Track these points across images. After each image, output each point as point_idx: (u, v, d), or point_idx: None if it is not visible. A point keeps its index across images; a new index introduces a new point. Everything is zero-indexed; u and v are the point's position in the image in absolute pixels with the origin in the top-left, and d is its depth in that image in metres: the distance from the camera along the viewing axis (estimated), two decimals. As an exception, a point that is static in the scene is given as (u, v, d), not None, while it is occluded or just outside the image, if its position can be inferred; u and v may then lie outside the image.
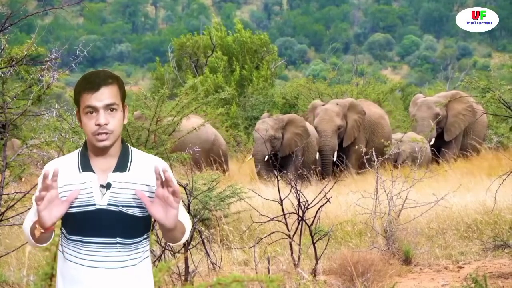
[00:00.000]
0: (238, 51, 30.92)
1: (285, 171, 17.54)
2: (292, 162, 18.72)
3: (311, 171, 16.86)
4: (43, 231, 3.46)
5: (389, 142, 19.60)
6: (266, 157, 18.60)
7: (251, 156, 19.48)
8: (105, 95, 3.55)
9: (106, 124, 3.54)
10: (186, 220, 3.69)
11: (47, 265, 3.43)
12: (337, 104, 20.18)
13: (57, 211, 3.45)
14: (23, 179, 13.09)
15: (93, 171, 3.60)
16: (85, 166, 3.61)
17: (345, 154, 19.87)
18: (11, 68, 7.64)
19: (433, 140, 20.33)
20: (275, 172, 10.53)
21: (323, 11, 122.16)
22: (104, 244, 3.57)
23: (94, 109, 3.55)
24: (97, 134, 3.55)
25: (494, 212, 11.16)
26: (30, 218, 3.62)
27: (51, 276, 3.59)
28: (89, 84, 3.56)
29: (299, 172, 12.49)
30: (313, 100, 23.74)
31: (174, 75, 31.96)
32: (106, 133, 3.55)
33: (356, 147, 19.49)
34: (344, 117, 19.84)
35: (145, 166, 3.65)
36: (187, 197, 8.42)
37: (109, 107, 3.56)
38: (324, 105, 20.52)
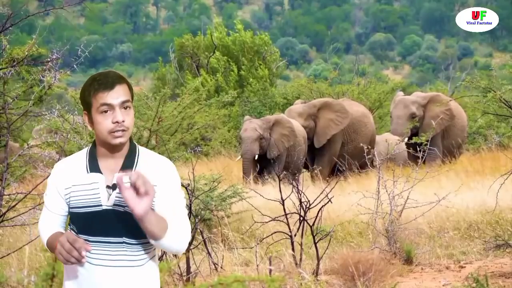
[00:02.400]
0: (237, 51, 30.91)
1: (266, 173, 17.55)
2: (280, 162, 18.57)
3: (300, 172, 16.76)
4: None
5: (368, 146, 19.47)
6: (256, 157, 18.42)
7: (240, 156, 19.18)
8: (120, 92, 3.58)
9: (123, 121, 3.56)
10: (176, 222, 3.60)
11: (48, 266, 3.44)
12: (305, 104, 19.81)
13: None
14: (25, 180, 13.11)
15: (100, 172, 3.62)
16: (93, 167, 3.64)
17: (317, 154, 19.54)
18: (12, 69, 7.64)
19: (405, 139, 19.66)
20: (274, 173, 10.54)
21: (324, 11, 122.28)
22: (111, 243, 3.59)
23: (110, 107, 3.56)
24: (114, 131, 3.56)
25: (495, 212, 11.16)
26: (47, 225, 3.71)
27: (52, 277, 3.60)
28: (103, 83, 3.58)
29: (298, 172, 12.43)
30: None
31: (176, 75, 31.97)
32: (123, 130, 3.56)
33: (331, 147, 19.28)
34: (311, 117, 19.47)
35: (152, 166, 3.66)
36: (189, 197, 8.42)
37: (124, 105, 3.58)
38: (304, 102, 20.31)
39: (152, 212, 3.47)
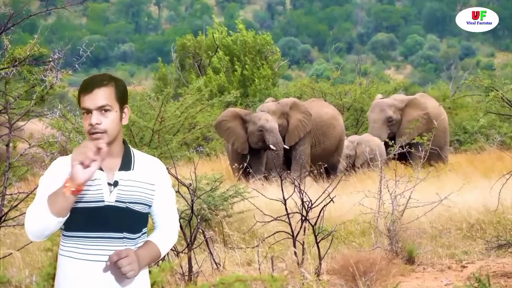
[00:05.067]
0: (239, 51, 30.89)
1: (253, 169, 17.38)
2: (260, 161, 18.45)
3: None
4: (74, 189, 3.54)
5: (343, 141, 19.20)
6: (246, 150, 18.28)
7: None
8: (98, 96, 3.72)
9: (98, 124, 3.69)
10: (168, 223, 3.91)
11: (50, 266, 3.44)
12: (278, 103, 19.64)
13: (89, 172, 3.56)
14: (27, 180, 13.08)
15: (101, 169, 3.71)
16: None
17: (291, 155, 19.12)
18: (14, 69, 7.65)
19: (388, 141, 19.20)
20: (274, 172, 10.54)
21: (326, 11, 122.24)
22: (112, 238, 3.70)
23: (88, 110, 3.71)
24: (91, 133, 3.70)
25: (497, 212, 11.14)
26: (40, 200, 3.65)
27: (54, 277, 3.60)
28: (83, 87, 3.75)
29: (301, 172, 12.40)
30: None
31: (177, 75, 31.96)
32: (100, 132, 3.69)
33: (302, 147, 18.94)
34: (284, 116, 19.26)
35: (147, 165, 3.84)
36: (191, 197, 8.42)
37: (102, 108, 3.72)
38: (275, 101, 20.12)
39: (142, 259, 3.70)
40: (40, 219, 3.60)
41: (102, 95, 3.72)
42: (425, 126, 20.01)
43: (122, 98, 3.79)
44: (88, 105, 3.70)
